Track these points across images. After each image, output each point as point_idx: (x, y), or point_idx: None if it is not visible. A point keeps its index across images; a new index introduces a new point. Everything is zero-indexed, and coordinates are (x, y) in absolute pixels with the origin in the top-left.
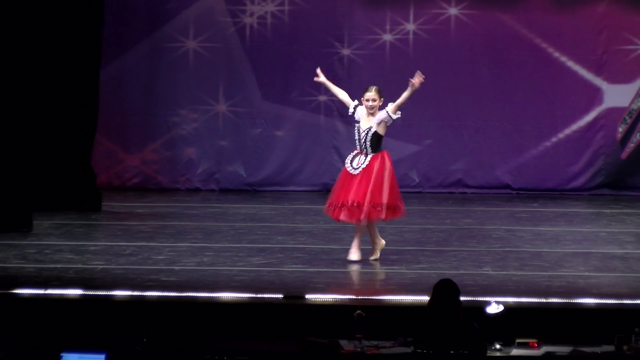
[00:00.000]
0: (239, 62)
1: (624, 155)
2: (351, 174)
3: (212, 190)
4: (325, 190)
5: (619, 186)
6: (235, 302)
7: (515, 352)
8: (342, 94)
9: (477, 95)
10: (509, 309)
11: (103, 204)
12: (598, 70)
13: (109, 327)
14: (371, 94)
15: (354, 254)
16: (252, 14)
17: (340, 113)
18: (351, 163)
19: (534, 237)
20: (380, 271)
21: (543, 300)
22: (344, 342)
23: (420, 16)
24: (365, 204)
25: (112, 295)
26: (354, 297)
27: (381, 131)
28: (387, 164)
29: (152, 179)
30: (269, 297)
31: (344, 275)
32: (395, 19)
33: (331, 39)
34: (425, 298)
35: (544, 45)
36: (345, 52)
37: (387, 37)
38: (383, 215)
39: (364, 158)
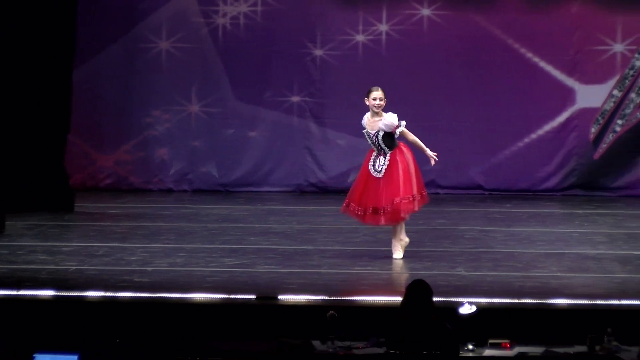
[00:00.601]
0: (211, 63)
1: (597, 155)
2: (375, 177)
3: (185, 191)
4: (298, 191)
5: (591, 187)
6: (208, 303)
7: (487, 352)
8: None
9: (450, 96)
10: (481, 309)
11: (76, 204)
12: (571, 71)
13: (82, 327)
14: (379, 93)
15: (398, 252)
16: (225, 15)
17: (313, 114)
18: (373, 166)
19: (507, 238)
20: (353, 272)
21: (516, 300)
22: (316, 343)
23: (393, 17)
24: (400, 202)
25: (85, 296)
26: (326, 297)
27: (388, 129)
28: (407, 156)
29: (125, 180)
30: (241, 298)
31: (317, 276)
32: (368, 19)
33: (304, 40)
34: (398, 299)
35: (516, 45)
36: (318, 52)
37: (360, 37)
38: (416, 207)
39: (384, 159)
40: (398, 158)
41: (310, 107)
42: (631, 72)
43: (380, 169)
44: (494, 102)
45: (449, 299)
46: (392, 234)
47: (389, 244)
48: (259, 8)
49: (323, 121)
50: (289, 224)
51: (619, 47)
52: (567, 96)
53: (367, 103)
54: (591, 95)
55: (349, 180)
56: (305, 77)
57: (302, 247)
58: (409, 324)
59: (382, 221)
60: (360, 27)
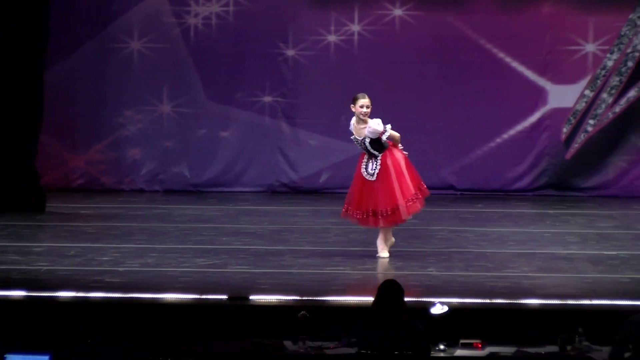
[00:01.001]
0: (183, 63)
1: (569, 155)
2: (369, 180)
3: (157, 191)
4: (270, 192)
5: (563, 187)
6: (179, 303)
7: (459, 352)
8: None
9: (422, 96)
10: (453, 309)
11: (48, 204)
12: (542, 71)
13: (54, 328)
14: (366, 100)
15: (384, 252)
16: (196, 15)
17: (285, 114)
18: (366, 170)
19: (478, 238)
20: (325, 272)
21: (487, 300)
22: (288, 343)
23: (365, 17)
24: (400, 205)
25: (57, 296)
26: (298, 298)
27: (373, 135)
28: (397, 155)
29: (97, 180)
30: (213, 298)
31: (289, 276)
32: (340, 19)
33: (276, 40)
34: (370, 299)
35: (488, 46)
36: (290, 52)
37: (332, 38)
38: (420, 205)
39: (375, 162)
40: (389, 161)
41: (282, 107)
42: (603, 72)
43: (372, 172)
44: (466, 102)
45: (420, 299)
46: (380, 233)
47: (360, 243)
48: (231, 8)
49: (295, 121)
50: (261, 224)
51: (590, 47)
52: (539, 96)
53: (354, 110)
54: (563, 95)
55: (321, 180)
56: (277, 78)
57: (274, 247)
58: (381, 324)
59: (382, 223)
60: (333, 28)
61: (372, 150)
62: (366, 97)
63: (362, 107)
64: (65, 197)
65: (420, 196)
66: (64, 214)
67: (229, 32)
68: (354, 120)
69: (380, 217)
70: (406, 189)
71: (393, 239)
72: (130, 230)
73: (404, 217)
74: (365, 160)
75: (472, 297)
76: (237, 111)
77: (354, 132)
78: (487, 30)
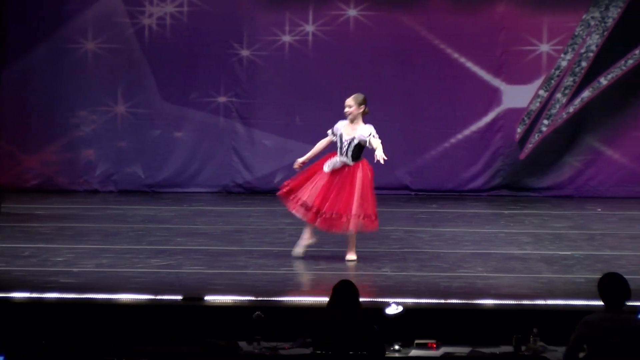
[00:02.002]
0: (138, 63)
1: (523, 156)
2: (326, 173)
3: (111, 192)
4: (225, 192)
5: (517, 187)
6: (134, 304)
7: (414, 352)
8: (323, 143)
9: (377, 96)
10: (408, 309)
11: (2, 205)
12: (497, 71)
13: (7, 329)
14: (348, 99)
15: (303, 246)
16: (151, 15)
17: (240, 115)
18: (328, 165)
19: (433, 238)
20: (280, 272)
21: (442, 301)
22: (242, 344)
23: (320, 17)
24: (353, 216)
25: (11, 297)
26: (253, 298)
27: (363, 143)
28: (369, 175)
29: (51, 181)
30: (168, 299)
31: (244, 276)
32: (295, 20)
33: (231, 40)
34: (324, 299)
35: (443, 46)
36: (245, 53)
37: (287, 38)
38: (377, 226)
39: (341, 165)
40: (359, 174)
41: (237, 107)
42: (557, 72)
43: (331, 168)
44: (420, 103)
45: (375, 300)
46: (305, 230)
47: (314, 245)
48: (185, 9)
49: (249, 122)
50: (216, 224)
51: (544, 48)
52: (493, 96)
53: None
54: (517, 96)
55: (276, 180)
56: (231, 78)
57: (229, 248)
58: (336, 324)
59: (319, 224)
60: (287, 28)
61: (350, 154)
62: (351, 97)
63: (345, 107)
64: (20, 198)
65: (374, 218)
66: (18, 214)
67: (183, 33)
68: (345, 121)
69: (320, 217)
70: (370, 204)
71: (316, 239)
72: (84, 231)
73: (348, 228)
74: (332, 158)
75: (426, 298)
76: (192, 112)
77: (342, 131)
78: (441, 31)
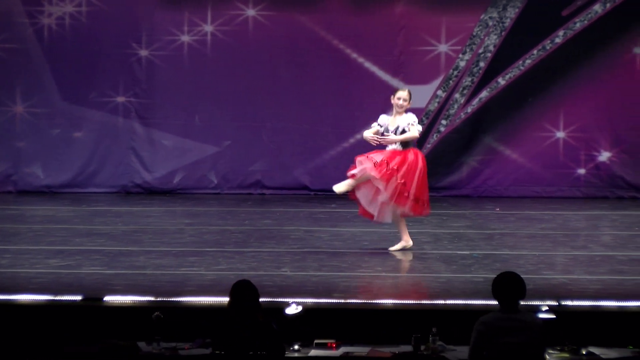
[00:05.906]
0: (37, 63)
1: None
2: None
3: (10, 192)
4: (124, 192)
5: None
6: (33, 305)
7: (313, 352)
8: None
9: (276, 96)
10: (307, 309)
11: None
12: (395, 72)
13: None
14: (404, 93)
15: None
16: (50, 15)
17: (139, 114)
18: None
19: (332, 238)
20: (179, 273)
21: (341, 300)
22: (142, 344)
23: (218, 17)
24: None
25: None
26: (152, 299)
27: (407, 129)
28: (421, 162)
29: None
30: (67, 300)
31: (143, 277)
32: (194, 20)
33: (129, 40)
34: (224, 299)
35: (341, 46)
36: (144, 53)
37: (186, 38)
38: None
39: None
40: (410, 156)
41: (136, 107)
42: (455, 73)
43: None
44: (319, 103)
45: (275, 299)
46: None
47: (214, 244)
48: (84, 8)
49: (148, 121)
50: (115, 225)
51: (443, 48)
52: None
53: (392, 102)
54: (415, 96)
55: (175, 180)
56: (130, 78)
57: (128, 248)
58: (235, 324)
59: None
60: (186, 28)
61: (396, 135)
62: (406, 90)
63: (399, 99)
64: None
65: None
66: None
67: (82, 33)
68: (386, 115)
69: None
70: (425, 190)
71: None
72: None
73: (411, 212)
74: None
75: (326, 297)
76: (91, 111)
77: (388, 124)
78: (339, 31)
